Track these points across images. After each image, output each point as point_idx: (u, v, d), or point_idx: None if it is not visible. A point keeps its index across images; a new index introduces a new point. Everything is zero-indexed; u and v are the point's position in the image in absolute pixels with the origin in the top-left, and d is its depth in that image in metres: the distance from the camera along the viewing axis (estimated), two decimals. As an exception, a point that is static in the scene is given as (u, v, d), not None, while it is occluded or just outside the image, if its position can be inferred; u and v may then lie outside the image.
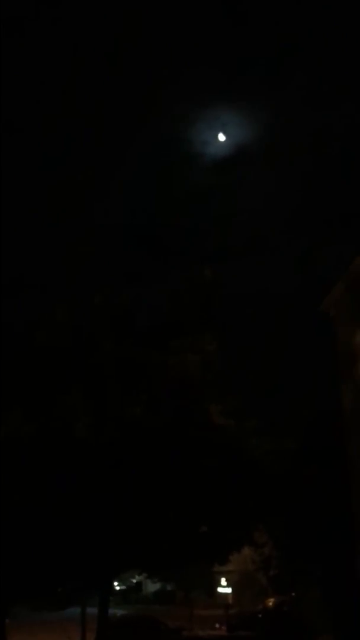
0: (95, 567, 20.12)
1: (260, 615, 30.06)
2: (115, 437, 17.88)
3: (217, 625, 32.38)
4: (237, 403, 20.06)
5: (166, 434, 18.18)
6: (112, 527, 18.60)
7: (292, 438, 20.88)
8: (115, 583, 44.33)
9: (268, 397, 22.62)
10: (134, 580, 54.53)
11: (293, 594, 29.61)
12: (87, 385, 18.49)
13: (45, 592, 21.71)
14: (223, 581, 40.32)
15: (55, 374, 18.99)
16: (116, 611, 32.34)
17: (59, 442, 17.73)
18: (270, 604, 31.15)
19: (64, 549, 18.84)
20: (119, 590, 52.48)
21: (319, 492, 22.41)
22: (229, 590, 40.19)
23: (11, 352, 19.83)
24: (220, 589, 40.80)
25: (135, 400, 18.07)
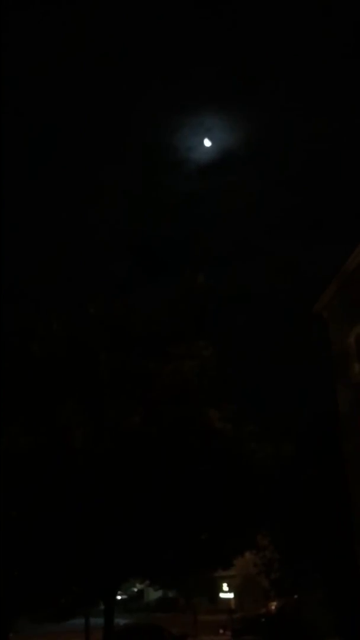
0: (98, 577, 20.08)
1: (263, 620, 30.08)
2: (114, 447, 17.86)
3: (221, 631, 32.36)
4: (234, 408, 20.11)
5: (165, 441, 18.18)
6: (114, 536, 18.57)
7: (290, 441, 20.94)
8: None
9: (265, 401, 22.67)
10: (135, 589, 54.36)
11: (296, 596, 29.62)
12: (84, 396, 18.49)
13: (48, 603, 21.62)
14: (225, 586, 40.32)
15: (51, 384, 18.96)
16: (118, 621, 32.23)
17: (58, 453, 17.70)
18: (273, 607, 31.18)
19: (66, 560, 18.80)
20: (120, 599, 52.27)
21: (319, 494, 22.47)
22: (231, 595, 40.18)
23: (6, 363, 19.80)
24: (222, 594, 40.79)
25: (133, 409, 18.07)
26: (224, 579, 40.48)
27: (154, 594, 49.45)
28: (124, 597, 54.65)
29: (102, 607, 23.26)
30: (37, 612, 23.08)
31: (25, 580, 19.25)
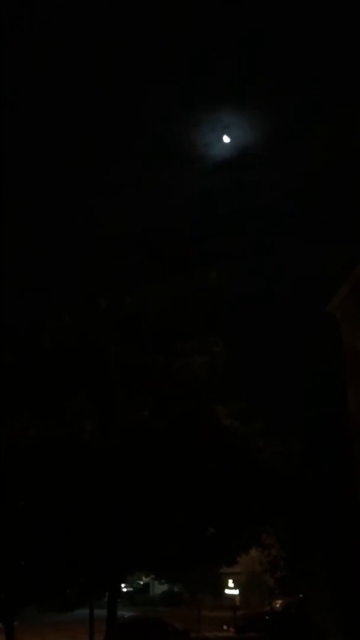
0: (103, 569, 20.21)
1: (267, 617, 30.06)
2: (122, 440, 17.95)
3: (224, 627, 32.37)
4: (243, 405, 20.10)
5: (173, 436, 18.23)
6: (120, 529, 18.68)
7: (299, 439, 20.91)
8: (122, 585, 44.34)
9: (274, 399, 22.62)
10: (141, 582, 54.55)
11: (300, 595, 29.60)
12: (93, 389, 18.57)
13: (54, 594, 21.79)
14: (230, 583, 40.32)
15: (61, 378, 19.08)
16: (123, 613, 32.39)
17: (66, 445, 17.82)
18: (278, 605, 31.16)
19: (72, 551, 18.94)
20: (126, 592, 52.50)
21: (326, 493, 22.43)
22: (236, 591, 40.18)
23: (17, 356, 19.95)
24: (227, 591, 40.80)
25: (142, 404, 18.13)
26: (229, 576, 40.50)
27: (159, 588, 49.61)
28: (130, 589, 54.88)
29: (106, 599, 23.42)
30: (43, 602, 23.27)
31: (32, 570, 19.42)
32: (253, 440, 19.56)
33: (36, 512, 18.37)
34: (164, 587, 47.58)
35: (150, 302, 20.99)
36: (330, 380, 23.53)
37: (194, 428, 18.52)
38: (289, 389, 23.76)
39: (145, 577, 46.66)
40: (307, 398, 24.68)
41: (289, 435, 20.63)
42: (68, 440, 17.65)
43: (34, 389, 18.99)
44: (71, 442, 17.62)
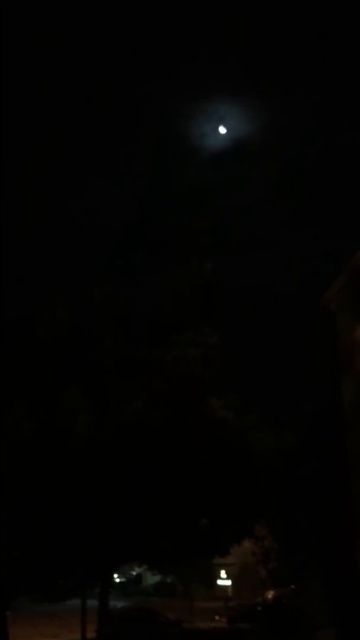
0: (95, 560, 20.22)
1: (259, 608, 30.23)
2: (115, 432, 17.90)
3: (216, 617, 32.55)
4: (238, 397, 20.07)
5: (166, 428, 18.20)
6: (113, 520, 18.68)
7: (293, 432, 20.91)
8: (115, 575, 44.49)
9: (269, 391, 22.61)
10: (134, 573, 54.74)
11: (292, 586, 29.75)
12: (87, 381, 18.51)
13: (47, 584, 21.80)
14: (223, 573, 40.54)
15: (55, 370, 19.00)
16: (115, 603, 32.48)
17: (60, 437, 17.77)
18: (270, 596, 31.34)
19: (65, 542, 18.92)
20: (119, 582, 52.67)
21: (320, 485, 22.48)
22: (228, 582, 40.41)
23: (11, 348, 19.84)
24: (220, 582, 41.03)
25: (136, 396, 18.08)
26: (222, 567, 40.72)
27: (152, 579, 49.82)
28: (122, 580, 55.06)
29: (99, 589, 23.46)
30: (36, 592, 23.29)
31: (25, 560, 19.41)
32: (247, 432, 19.54)
33: (29, 503, 18.32)
34: (157, 578, 47.79)
35: (144, 295, 20.94)
36: (325, 373, 23.52)
37: (187, 420, 18.48)
38: (284, 381, 23.76)
39: (138, 568, 46.82)
40: (302, 391, 24.69)
41: (283, 427, 20.63)
42: (62, 432, 17.60)
43: (28, 381, 18.90)
44: (65, 435, 17.57)
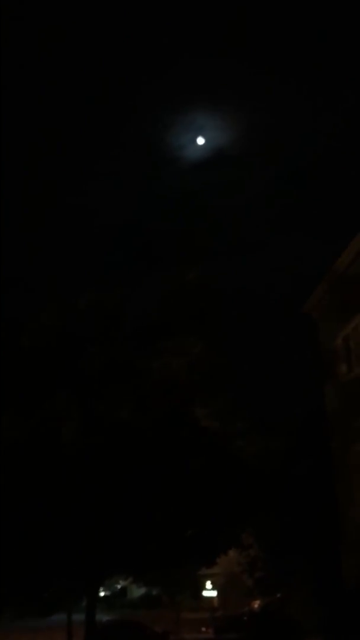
0: (82, 572, 20.01)
1: (245, 618, 30.11)
2: (103, 440, 17.81)
3: (203, 629, 32.37)
4: (224, 404, 20.10)
5: (153, 436, 18.16)
6: (99, 530, 18.53)
7: (280, 438, 20.98)
8: (100, 588, 43.95)
9: (255, 398, 22.70)
10: (119, 586, 54.18)
11: (279, 595, 29.70)
12: (74, 388, 18.42)
13: (31, 598, 21.50)
14: (208, 584, 40.29)
15: (41, 377, 18.88)
16: (101, 617, 32.14)
17: (47, 445, 17.63)
18: (256, 605, 31.25)
19: (50, 554, 18.71)
20: (103, 595, 52.06)
21: (306, 491, 22.56)
22: (214, 593, 40.19)
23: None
24: (205, 592, 40.77)
25: (122, 403, 18.02)
26: (207, 577, 40.45)
27: (137, 591, 49.31)
28: (107, 593, 54.43)
29: (84, 603, 23.18)
30: (19, 607, 22.95)
31: (7, 574, 19.12)
32: (234, 439, 19.56)
33: (13, 513, 18.09)
34: (142, 591, 47.32)
35: (130, 301, 20.94)
36: (312, 377, 23.71)
37: (174, 427, 18.47)
38: (270, 387, 23.89)
39: (123, 581, 46.33)
40: (290, 395, 24.84)
41: (271, 433, 20.70)
42: (49, 440, 17.47)
43: (14, 389, 18.75)
44: (53, 442, 17.44)
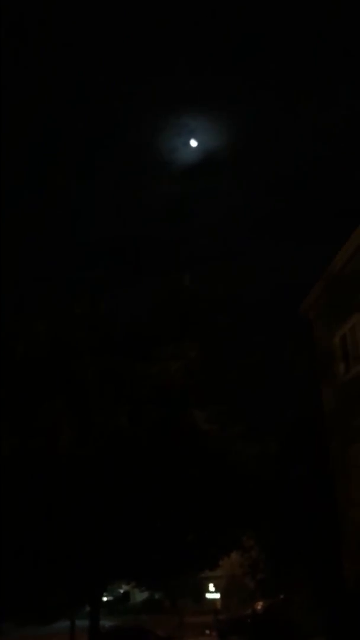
0: (84, 579, 19.97)
1: (249, 620, 30.09)
2: (100, 448, 17.77)
3: (207, 632, 32.35)
4: (221, 408, 20.09)
5: (151, 442, 18.13)
6: (100, 538, 18.49)
7: (277, 441, 20.98)
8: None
9: (252, 401, 22.69)
10: (121, 591, 54.16)
11: (282, 596, 29.66)
12: (69, 397, 18.35)
13: (33, 605, 21.44)
14: (211, 587, 40.34)
15: (35, 386, 18.79)
16: (104, 623, 32.09)
17: (43, 455, 17.57)
18: (259, 607, 31.22)
19: (51, 561, 18.66)
20: (106, 601, 51.98)
21: (305, 493, 22.54)
22: (217, 596, 40.23)
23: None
24: (208, 595, 40.81)
25: (119, 411, 17.99)
26: (209, 580, 40.48)
27: (139, 596, 49.29)
28: (110, 598, 54.38)
29: (87, 609, 23.14)
30: (22, 615, 22.88)
31: (9, 582, 19.07)
32: (231, 443, 19.56)
33: (13, 522, 18.05)
34: (145, 595, 47.31)
35: (125, 308, 20.91)
36: (307, 380, 23.69)
37: (172, 433, 18.44)
38: (266, 390, 23.87)
39: (126, 586, 46.32)
40: (285, 399, 24.82)
41: (267, 437, 20.69)
42: (45, 449, 17.41)
43: (8, 399, 18.68)
44: (48, 452, 17.38)
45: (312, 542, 22.74)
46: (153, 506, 18.62)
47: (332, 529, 21.43)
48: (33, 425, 17.81)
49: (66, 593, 21.12)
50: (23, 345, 19.20)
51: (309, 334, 24.64)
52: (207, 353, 19.82)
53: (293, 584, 25.84)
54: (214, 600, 40.65)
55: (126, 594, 53.80)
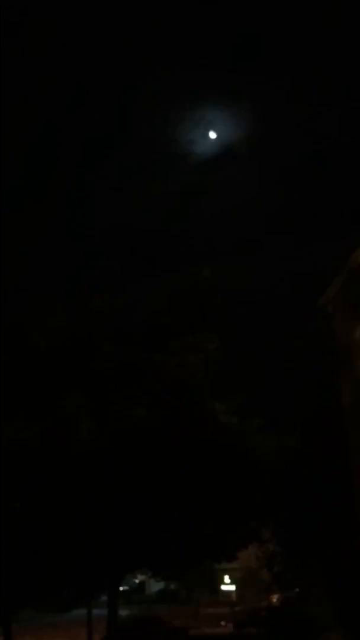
0: (102, 568, 20.17)
1: (264, 613, 30.17)
2: (118, 440, 17.89)
3: (222, 623, 32.48)
4: (239, 401, 20.11)
5: (169, 433, 18.21)
6: (118, 528, 18.64)
7: (294, 435, 20.95)
8: (118, 583, 44.24)
9: (270, 394, 22.66)
10: (137, 581, 54.50)
11: (297, 590, 29.69)
12: (88, 388, 18.50)
13: (51, 594, 21.71)
14: (227, 578, 40.47)
15: (55, 377, 18.97)
16: (120, 612, 32.37)
17: (62, 445, 17.74)
18: (275, 600, 31.28)
19: (70, 551, 18.86)
20: (121, 590, 52.34)
21: (322, 487, 22.48)
22: (232, 587, 40.33)
23: (10, 356, 19.81)
24: (224, 587, 40.95)
25: (137, 403, 18.08)
26: (225, 572, 40.64)
27: (155, 586, 49.63)
28: (125, 588, 54.75)
29: (103, 598, 23.36)
30: (40, 603, 23.18)
31: (29, 570, 19.33)
32: (250, 436, 19.57)
33: (33, 512, 18.26)
34: (160, 585, 47.60)
35: (143, 301, 20.97)
36: (325, 374, 23.56)
37: (190, 425, 18.50)
38: (284, 384, 23.80)
39: (141, 576, 46.64)
40: (303, 393, 24.71)
41: (284, 430, 20.67)
42: (64, 440, 17.57)
43: (28, 390, 18.88)
44: (67, 442, 17.54)
45: (328, 536, 22.70)
46: (170, 496, 18.71)
47: (349, 523, 21.37)
48: (53, 415, 17.99)
49: (84, 582, 21.35)
50: (43, 337, 19.39)
51: (327, 327, 24.48)
52: (226, 346, 19.84)
53: (309, 577, 25.85)
54: (229, 592, 40.82)
55: (141, 584, 54.20)
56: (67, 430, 17.68)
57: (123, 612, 34.77)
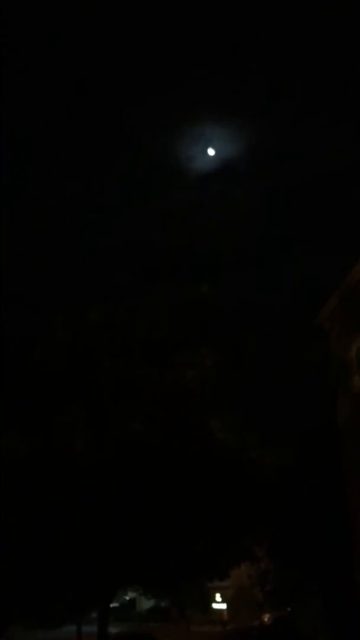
0: (93, 584, 19.97)
1: (256, 632, 29.96)
2: (114, 453, 17.81)
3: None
4: (236, 417, 20.09)
5: (165, 449, 18.14)
6: (111, 544, 18.50)
7: (290, 451, 20.93)
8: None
9: (266, 411, 22.68)
10: (127, 598, 53.91)
11: (289, 608, 29.51)
12: (86, 403, 18.44)
13: (41, 610, 21.46)
14: (218, 597, 40.12)
15: (53, 391, 18.91)
16: (110, 629, 32.00)
17: (57, 459, 17.65)
18: (266, 619, 31.07)
19: (61, 567, 18.68)
20: (112, 607, 51.75)
21: (317, 504, 22.45)
22: (223, 606, 39.99)
23: (8, 370, 19.77)
24: (215, 605, 40.57)
25: (134, 417, 18.03)
26: (217, 590, 40.27)
27: (146, 603, 49.10)
28: (116, 605, 54.15)
29: (93, 615, 23.10)
30: (30, 619, 22.90)
31: (19, 586, 19.12)
32: (246, 452, 19.53)
33: (26, 527, 18.10)
34: (151, 603, 47.12)
35: (141, 315, 20.96)
36: (322, 390, 23.65)
37: (186, 441, 18.45)
38: (281, 400, 23.85)
39: (132, 593, 46.16)
40: (300, 410, 24.78)
41: (281, 446, 20.65)
42: (60, 453, 17.49)
43: (25, 403, 18.81)
44: (63, 456, 17.46)
45: (324, 553, 22.63)
46: (164, 512, 18.60)
47: (344, 540, 21.33)
48: (48, 428, 17.90)
49: (75, 598, 21.13)
50: (40, 351, 19.36)
51: (324, 344, 24.61)
52: (223, 361, 19.84)
53: (302, 595, 25.71)
54: (220, 610, 40.45)
55: (132, 601, 53.60)
56: (64, 443, 17.59)
57: (113, 630, 34.41)
